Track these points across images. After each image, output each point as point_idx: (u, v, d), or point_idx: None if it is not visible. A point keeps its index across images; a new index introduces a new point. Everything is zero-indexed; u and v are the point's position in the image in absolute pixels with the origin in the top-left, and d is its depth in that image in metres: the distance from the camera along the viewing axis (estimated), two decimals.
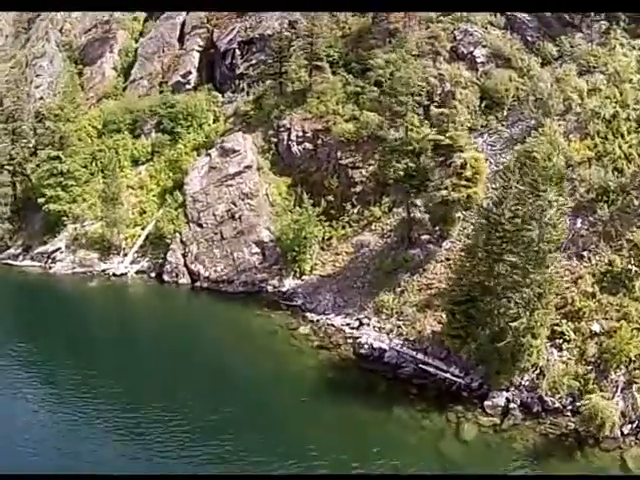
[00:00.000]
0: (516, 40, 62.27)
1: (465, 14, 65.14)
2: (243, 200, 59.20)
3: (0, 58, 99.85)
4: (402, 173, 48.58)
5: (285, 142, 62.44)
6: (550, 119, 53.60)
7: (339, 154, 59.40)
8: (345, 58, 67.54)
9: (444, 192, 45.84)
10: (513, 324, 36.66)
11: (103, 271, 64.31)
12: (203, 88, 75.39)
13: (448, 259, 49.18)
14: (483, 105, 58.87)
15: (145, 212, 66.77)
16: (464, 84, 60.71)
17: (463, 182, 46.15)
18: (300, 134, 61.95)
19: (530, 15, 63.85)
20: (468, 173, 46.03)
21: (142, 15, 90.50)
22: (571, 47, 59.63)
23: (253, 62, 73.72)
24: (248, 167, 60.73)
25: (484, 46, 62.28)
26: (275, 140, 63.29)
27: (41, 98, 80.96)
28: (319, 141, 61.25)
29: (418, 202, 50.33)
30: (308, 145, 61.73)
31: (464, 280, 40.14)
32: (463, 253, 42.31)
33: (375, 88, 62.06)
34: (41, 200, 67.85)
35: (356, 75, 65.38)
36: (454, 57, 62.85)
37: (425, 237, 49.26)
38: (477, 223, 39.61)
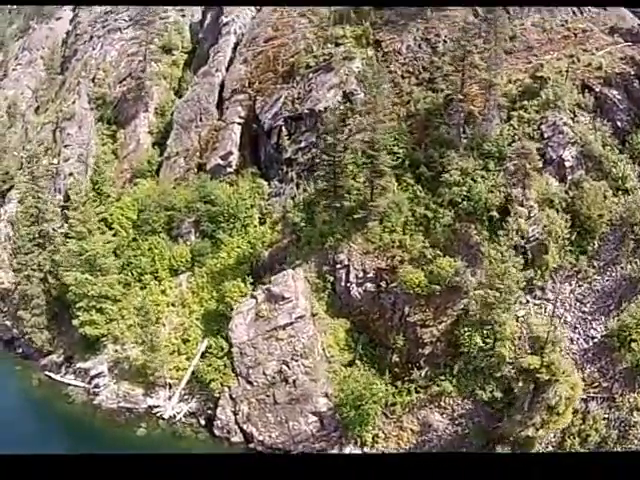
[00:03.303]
0: (606, 127, 53.98)
1: (552, 98, 54.73)
2: (296, 361, 51.39)
3: (39, 99, 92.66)
4: (486, 399, 39.71)
5: (343, 282, 53.28)
6: None
7: (406, 309, 50.32)
8: (412, 156, 56.82)
9: (530, 431, 37.13)
10: None
11: (150, 408, 58.63)
12: (246, 172, 66.21)
13: None
14: (573, 236, 50.15)
15: (189, 340, 59.81)
16: (552, 203, 51.32)
17: (554, 417, 37.29)
18: (360, 274, 52.71)
19: (620, 93, 55.59)
20: (561, 408, 36.98)
21: (181, 59, 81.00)
22: None
23: (302, 145, 63.58)
24: (300, 317, 52.32)
25: (573, 143, 53.25)
26: (331, 278, 54.15)
27: (70, 174, 73.56)
28: (383, 283, 52.03)
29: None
30: (370, 286, 52.59)
31: None
32: None
33: (449, 212, 52.21)
34: (76, 322, 61.68)
35: (425, 183, 55.17)
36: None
37: None
38: None
